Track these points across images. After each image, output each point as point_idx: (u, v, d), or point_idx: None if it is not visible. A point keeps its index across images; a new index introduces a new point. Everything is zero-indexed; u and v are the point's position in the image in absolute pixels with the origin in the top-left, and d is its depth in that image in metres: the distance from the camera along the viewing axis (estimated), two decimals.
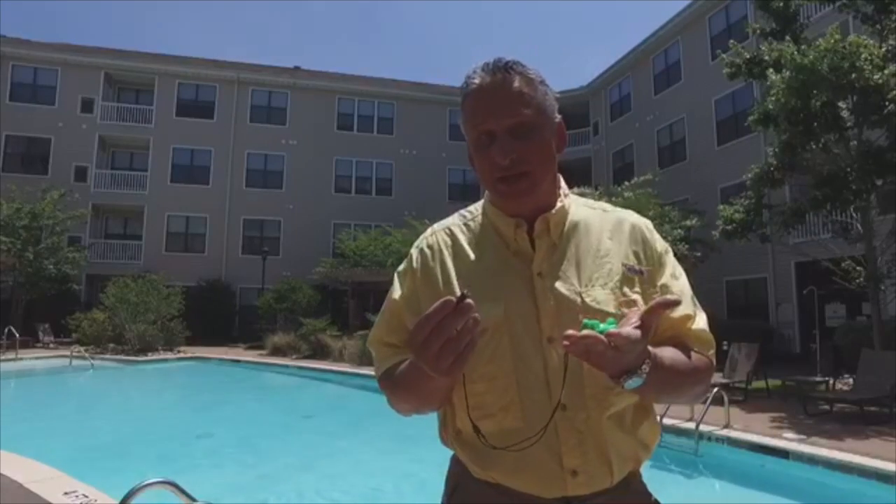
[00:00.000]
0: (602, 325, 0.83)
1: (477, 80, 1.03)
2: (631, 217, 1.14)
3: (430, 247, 1.12)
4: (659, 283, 1.07)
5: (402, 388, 1.02)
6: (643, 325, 0.84)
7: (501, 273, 1.04)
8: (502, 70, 1.02)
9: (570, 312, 1.00)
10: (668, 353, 0.96)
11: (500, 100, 1.01)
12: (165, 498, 2.37)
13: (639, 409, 1.05)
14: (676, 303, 0.86)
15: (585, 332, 0.81)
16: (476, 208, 1.16)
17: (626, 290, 1.03)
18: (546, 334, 1.00)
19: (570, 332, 0.82)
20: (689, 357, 1.02)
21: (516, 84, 1.02)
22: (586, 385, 0.98)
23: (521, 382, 0.99)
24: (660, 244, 1.12)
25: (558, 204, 1.08)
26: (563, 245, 1.07)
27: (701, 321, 1.08)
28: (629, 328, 0.83)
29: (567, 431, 0.98)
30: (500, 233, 1.08)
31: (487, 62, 1.04)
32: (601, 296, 1.02)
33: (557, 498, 0.98)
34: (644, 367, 0.85)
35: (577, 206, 1.12)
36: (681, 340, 1.03)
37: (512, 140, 1.00)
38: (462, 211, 1.18)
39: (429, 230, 1.17)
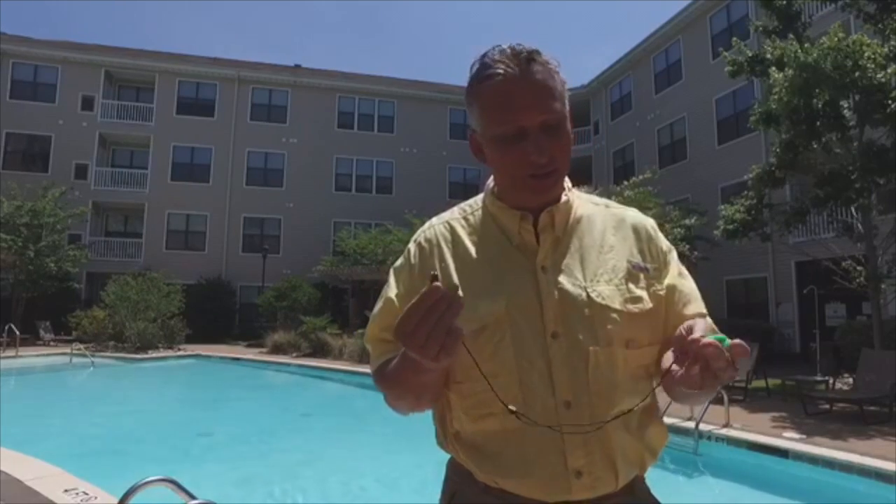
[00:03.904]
0: (728, 342, 0.81)
1: (500, 70, 0.96)
2: (635, 215, 1.13)
3: (427, 241, 1.09)
4: (666, 283, 1.06)
5: (395, 382, 1.00)
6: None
7: (503, 267, 1.02)
8: (527, 61, 0.96)
9: (575, 307, 0.98)
10: None
11: (531, 94, 0.96)
12: (165, 496, 2.36)
13: (645, 411, 1.02)
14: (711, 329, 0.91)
15: (711, 339, 0.81)
16: (476, 202, 1.13)
17: (630, 286, 1.02)
18: (550, 330, 0.97)
19: (699, 335, 0.83)
20: None
21: (543, 76, 0.97)
22: (591, 382, 0.96)
23: (523, 380, 0.96)
24: (664, 243, 1.11)
25: (563, 198, 1.06)
26: (566, 239, 1.04)
27: (709, 320, 1.07)
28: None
29: (571, 430, 0.95)
30: (503, 226, 1.05)
31: (505, 49, 0.97)
32: (606, 291, 1.00)
33: (560, 503, 0.96)
34: None
35: (580, 201, 1.10)
36: None
37: (545, 137, 0.96)
38: (461, 205, 1.15)
39: (426, 224, 1.13)
